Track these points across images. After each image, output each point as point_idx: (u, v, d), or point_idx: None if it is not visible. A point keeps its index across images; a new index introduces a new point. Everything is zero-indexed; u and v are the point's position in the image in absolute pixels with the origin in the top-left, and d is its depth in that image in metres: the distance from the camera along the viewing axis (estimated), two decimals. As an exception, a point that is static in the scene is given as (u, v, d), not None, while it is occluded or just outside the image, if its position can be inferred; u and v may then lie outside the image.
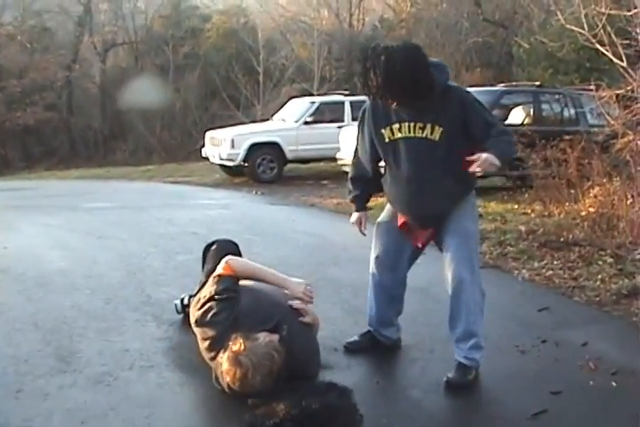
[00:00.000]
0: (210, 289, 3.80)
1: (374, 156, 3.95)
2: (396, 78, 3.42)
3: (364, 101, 3.95)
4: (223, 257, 4.10)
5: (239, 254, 4.35)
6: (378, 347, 4.18)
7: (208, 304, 3.74)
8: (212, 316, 3.70)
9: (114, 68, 30.39)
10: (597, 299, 5.28)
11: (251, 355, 3.39)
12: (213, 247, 4.52)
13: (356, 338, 4.23)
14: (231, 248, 4.44)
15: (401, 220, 3.95)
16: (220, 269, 3.89)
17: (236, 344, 3.45)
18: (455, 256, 3.77)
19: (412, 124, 3.66)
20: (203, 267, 4.51)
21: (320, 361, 3.86)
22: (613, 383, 3.72)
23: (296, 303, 3.89)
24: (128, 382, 3.74)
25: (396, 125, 3.71)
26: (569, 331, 4.58)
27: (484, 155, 3.42)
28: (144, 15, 30.68)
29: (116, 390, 3.64)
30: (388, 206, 4.08)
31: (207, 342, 3.69)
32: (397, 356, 4.19)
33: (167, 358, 4.09)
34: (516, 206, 9.21)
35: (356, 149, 4.09)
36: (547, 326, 4.68)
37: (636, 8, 7.13)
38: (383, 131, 3.77)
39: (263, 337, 3.51)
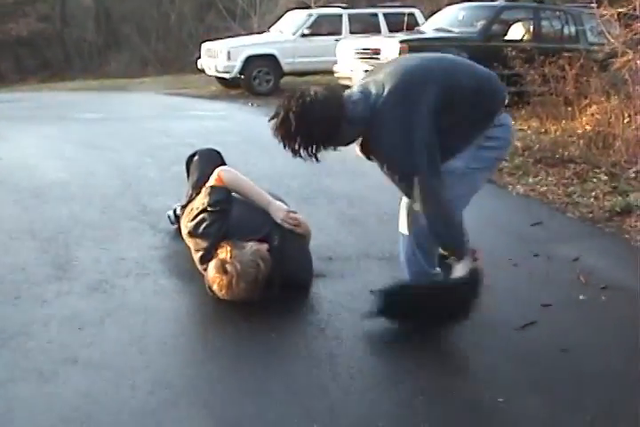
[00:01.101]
0: (203, 200, 3.79)
1: None
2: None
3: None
4: (207, 166, 4.09)
5: (223, 162, 4.30)
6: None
7: (201, 216, 3.74)
8: (204, 227, 3.70)
9: (108, -23, 29.63)
10: (590, 215, 5.31)
11: (236, 262, 3.43)
12: (195, 158, 4.45)
13: None
14: (213, 157, 4.37)
15: None
16: (212, 181, 3.87)
17: (223, 252, 3.50)
18: None
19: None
20: (188, 178, 4.46)
21: (312, 270, 3.89)
22: (603, 298, 3.77)
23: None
24: (124, 289, 3.79)
25: None
26: (561, 246, 4.62)
27: None
28: None
29: (112, 297, 3.69)
30: None
31: (200, 254, 3.71)
32: (393, 265, 4.04)
33: (163, 266, 4.14)
34: (512, 122, 9.14)
35: None
36: (539, 240, 4.72)
37: None
38: None
39: (250, 246, 3.54)
